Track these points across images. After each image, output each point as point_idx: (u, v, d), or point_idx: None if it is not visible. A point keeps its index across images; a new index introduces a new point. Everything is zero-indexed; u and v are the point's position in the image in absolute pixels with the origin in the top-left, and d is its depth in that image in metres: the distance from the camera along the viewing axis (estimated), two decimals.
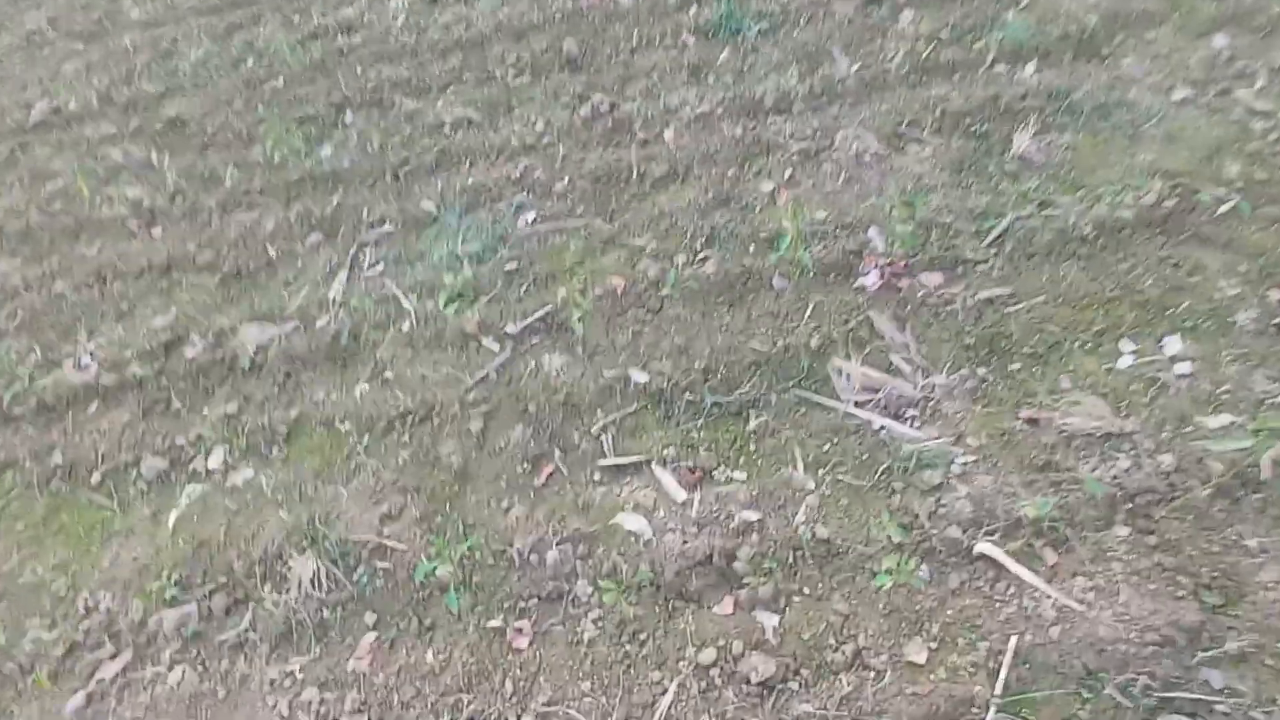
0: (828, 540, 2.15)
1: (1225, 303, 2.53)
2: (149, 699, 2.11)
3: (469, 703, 1.97)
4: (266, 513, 2.44)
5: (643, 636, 2.06)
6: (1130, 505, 2.11)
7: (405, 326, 2.90)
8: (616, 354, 2.70)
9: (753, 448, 2.42)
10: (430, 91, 3.87)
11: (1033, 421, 2.33)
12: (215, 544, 2.39)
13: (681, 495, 2.32)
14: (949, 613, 2.00)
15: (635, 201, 3.20)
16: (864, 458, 2.34)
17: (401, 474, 2.48)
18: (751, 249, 2.92)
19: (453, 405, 2.63)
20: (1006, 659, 1.89)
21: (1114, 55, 3.43)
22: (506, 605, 2.16)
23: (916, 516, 2.17)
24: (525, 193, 3.30)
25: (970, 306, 2.65)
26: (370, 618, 2.17)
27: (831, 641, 1.98)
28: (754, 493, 2.29)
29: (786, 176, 3.16)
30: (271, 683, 2.08)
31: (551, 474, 2.44)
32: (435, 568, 2.22)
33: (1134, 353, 2.46)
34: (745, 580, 2.11)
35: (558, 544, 2.24)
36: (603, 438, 2.50)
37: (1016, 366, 2.49)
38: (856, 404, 2.46)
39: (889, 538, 2.14)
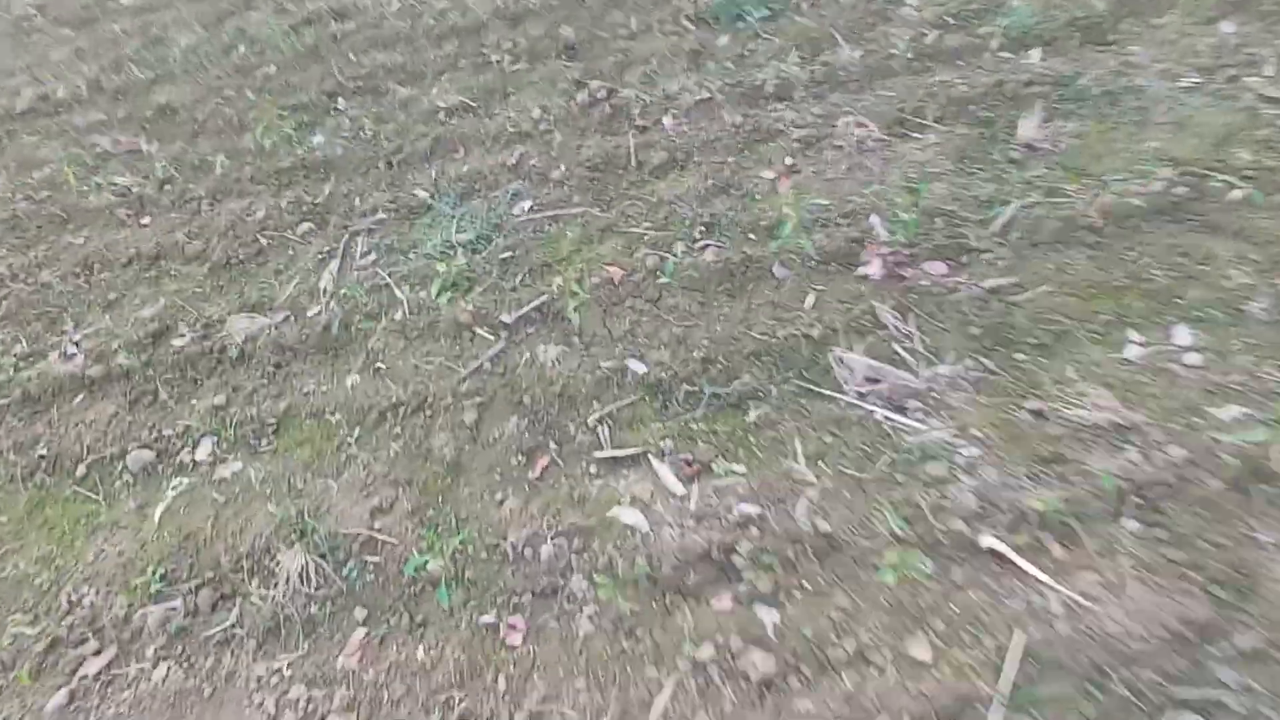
0: (829, 534, 2.09)
1: (1236, 292, 2.47)
2: (132, 696, 2.06)
3: (461, 700, 1.92)
4: (255, 506, 2.39)
5: (639, 633, 2.01)
6: (1139, 498, 2.06)
7: (398, 316, 2.84)
8: (614, 344, 2.64)
9: (752, 440, 2.36)
10: (425, 78, 3.80)
11: (1039, 413, 2.27)
12: (202, 538, 2.34)
13: (679, 488, 2.27)
14: (953, 608, 1.94)
15: (633, 189, 3.14)
16: (866, 450, 2.28)
17: (393, 466, 2.42)
18: (752, 237, 2.87)
19: (446, 396, 2.57)
20: (1013, 656, 1.84)
21: (1121, 41, 3.37)
22: (500, 601, 2.10)
23: (920, 510, 2.11)
24: (521, 180, 3.24)
25: (975, 296, 2.59)
26: (360, 613, 2.12)
27: (833, 638, 1.93)
28: (754, 485, 2.24)
29: (788, 164, 3.09)
30: (258, 680, 2.03)
31: (547, 466, 2.39)
32: (426, 562, 2.17)
33: (1143, 343, 2.40)
34: (744, 575, 2.05)
35: (552, 538, 2.19)
36: (599, 429, 2.44)
37: (1022, 357, 2.43)
38: (859, 395, 2.41)
39: (892, 531, 2.08)
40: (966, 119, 3.13)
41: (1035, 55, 3.32)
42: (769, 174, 3.07)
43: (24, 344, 3.00)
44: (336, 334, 2.82)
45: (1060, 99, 3.15)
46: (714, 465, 2.32)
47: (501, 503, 2.30)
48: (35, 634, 2.22)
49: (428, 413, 2.55)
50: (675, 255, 2.82)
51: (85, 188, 3.60)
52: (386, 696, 1.96)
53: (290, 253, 3.16)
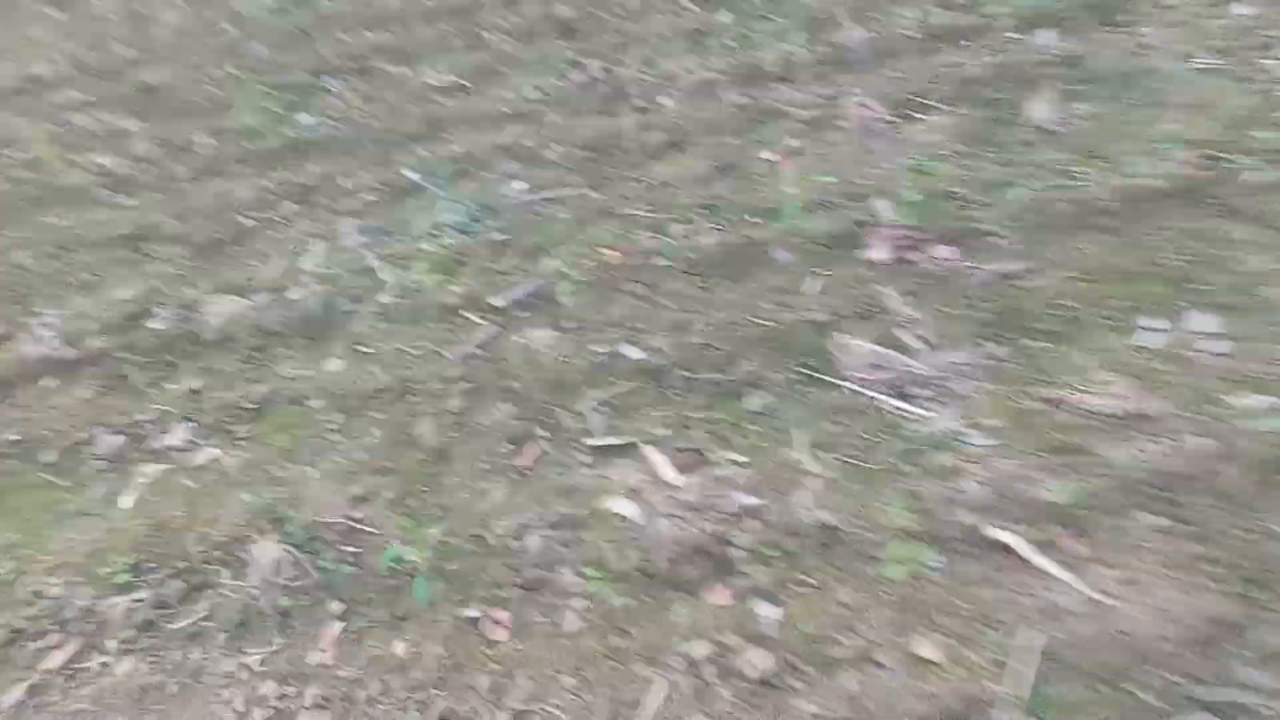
0: (831, 526, 1.98)
1: (1256, 277, 2.36)
2: (95, 691, 1.94)
3: (440, 699, 1.81)
4: (229, 494, 2.27)
5: (631, 629, 1.90)
6: (1160, 491, 1.95)
7: (383, 299, 2.73)
8: (608, 329, 2.53)
9: (752, 428, 2.26)
10: (417, 58, 3.69)
11: (1052, 401, 2.17)
12: (173, 527, 2.22)
13: (675, 478, 2.16)
14: (964, 606, 1.83)
15: (630, 171, 3.03)
16: (871, 439, 2.18)
17: (374, 454, 2.31)
18: (753, 220, 2.76)
19: (432, 382, 2.46)
20: (1029, 656, 1.73)
21: (1133, 22, 3.26)
22: (484, 594, 1.99)
23: (927, 502, 2.01)
24: (514, 161, 3.13)
25: (984, 281, 2.48)
26: (336, 607, 2.01)
27: (835, 635, 1.82)
28: (753, 476, 2.13)
29: (790, 146, 2.99)
30: (227, 675, 1.92)
31: (536, 455, 2.28)
32: (402, 554, 2.05)
33: (1160, 330, 2.30)
34: (743, 569, 1.94)
35: (540, 529, 2.08)
36: (592, 417, 2.34)
37: (1033, 344, 2.32)
38: (862, 382, 2.30)
39: (897, 524, 1.98)
40: (975, 100, 3.03)
41: (1046, 36, 3.21)
42: (771, 155, 2.96)
43: None
44: (319, 317, 2.71)
45: (1072, 80, 3.04)
46: (711, 454, 2.21)
47: (488, 492, 2.19)
48: None
49: (412, 399, 2.44)
50: (673, 238, 2.71)
51: (64, 167, 3.49)
52: (362, 694, 1.84)
53: (273, 234, 3.05)
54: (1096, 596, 1.82)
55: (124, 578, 2.13)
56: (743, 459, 2.18)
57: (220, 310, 2.77)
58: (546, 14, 3.76)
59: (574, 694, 1.81)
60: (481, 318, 2.62)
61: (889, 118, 3.02)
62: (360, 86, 3.59)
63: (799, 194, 2.73)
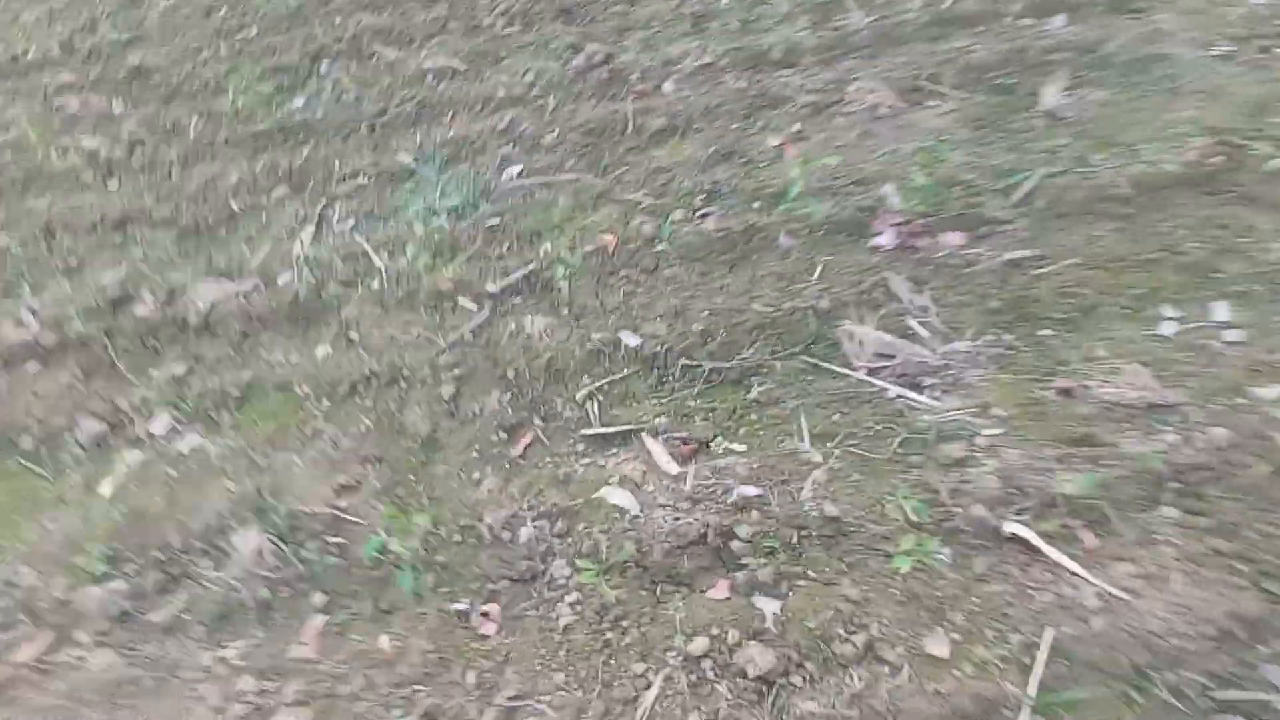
0: (837, 518, 1.90)
1: (1277, 266, 2.28)
2: (67, 686, 1.86)
3: (426, 695, 1.73)
4: (211, 483, 2.19)
5: (626, 623, 1.82)
6: (1180, 483, 1.87)
7: (375, 285, 2.65)
8: (606, 315, 2.45)
9: (754, 418, 2.18)
10: (413, 42, 3.61)
11: (1067, 391, 2.09)
12: (152, 516, 2.14)
13: (674, 468, 2.08)
14: (975, 601, 1.75)
15: (630, 156, 2.95)
16: (878, 429, 2.10)
17: (362, 442, 2.23)
18: (756, 206, 2.68)
19: (423, 369, 2.38)
20: (1042, 654, 1.65)
21: (1148, 9, 3.18)
22: (473, 587, 1.91)
23: (937, 494, 1.93)
24: (511, 145, 3.05)
25: (995, 268, 2.40)
26: (319, 599, 1.93)
27: (840, 631, 1.74)
28: (755, 466, 2.05)
29: (794, 130, 2.91)
30: (205, 670, 1.84)
31: (530, 444, 2.20)
32: (392, 544, 1.97)
33: (1178, 318, 2.22)
34: (743, 562, 1.87)
35: (533, 520, 2.00)
36: (588, 405, 2.25)
37: (1047, 332, 2.25)
38: (869, 371, 2.22)
39: (906, 516, 1.90)
40: (985, 86, 2.94)
41: (1058, 21, 3.13)
42: (774, 141, 2.88)
43: None
44: (308, 303, 2.63)
45: (1085, 67, 2.96)
46: (712, 444, 2.13)
47: (479, 482, 2.11)
48: None
49: (402, 386, 2.36)
50: (673, 223, 2.63)
51: (51, 150, 3.41)
52: (344, 690, 1.76)
53: (263, 219, 2.96)
54: (1112, 591, 1.74)
55: (100, 568, 2.05)
56: (743, 448, 2.11)
57: (207, 295, 2.69)
58: None
59: (565, 691, 1.73)
60: (475, 304, 2.54)
61: (896, 103, 2.94)
62: (355, 70, 3.51)
63: (803, 179, 2.64)
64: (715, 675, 1.72)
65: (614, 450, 2.16)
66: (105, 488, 2.24)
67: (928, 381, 2.18)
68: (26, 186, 3.31)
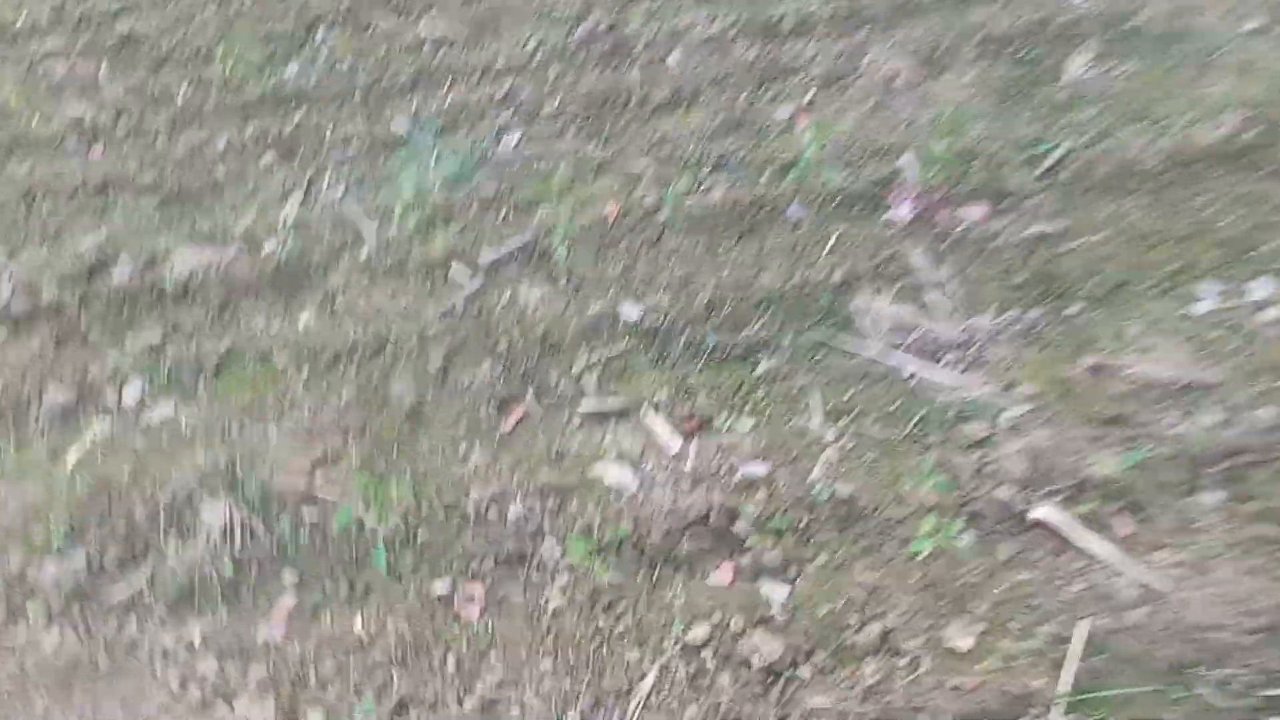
0: (850, 499, 1.77)
1: None
2: (16, 667, 1.73)
3: (400, 682, 1.60)
4: (181, 453, 2.06)
5: (620, 609, 1.68)
6: (1222, 466, 1.73)
7: (363, 253, 2.52)
8: (605, 286, 2.32)
9: (761, 394, 2.04)
10: (411, 10, 3.48)
11: (1098, 369, 1.95)
12: (117, 488, 2.01)
13: (675, 445, 1.94)
14: (1000, 589, 1.61)
15: (634, 126, 2.82)
16: (893, 407, 1.96)
17: (343, 413, 2.10)
18: (764, 177, 2.54)
19: (410, 339, 2.25)
20: (1075, 647, 1.51)
21: None
22: (456, 567, 1.78)
23: (957, 475, 1.79)
24: (510, 114, 2.92)
25: (1019, 242, 2.27)
26: (290, 577, 1.79)
27: (853, 620, 1.60)
28: (762, 444, 1.91)
29: (806, 102, 2.78)
30: (164, 651, 1.70)
31: (521, 419, 2.06)
32: (369, 518, 1.84)
33: (1216, 295, 2.08)
34: (748, 544, 1.73)
35: (522, 497, 1.86)
36: (585, 379, 2.12)
37: (1075, 309, 2.11)
38: (885, 347, 2.08)
39: (924, 498, 1.76)
40: (1007, 58, 2.80)
41: None
42: (785, 112, 2.75)
43: None
44: (292, 270, 2.50)
45: (1112, 40, 2.83)
46: (716, 421, 1.99)
47: (466, 457, 1.98)
48: None
49: (388, 356, 2.22)
50: (678, 193, 2.50)
51: (36, 117, 3.29)
52: (312, 675, 1.63)
53: (250, 186, 2.84)
54: (1149, 581, 1.60)
55: (58, 542, 1.91)
56: (749, 426, 1.97)
57: (187, 262, 2.56)
58: None
59: (553, 680, 1.59)
60: (468, 273, 2.41)
61: (913, 75, 2.81)
62: (351, 38, 3.39)
63: (816, 149, 2.51)
64: (716, 665, 1.58)
65: (611, 426, 2.02)
66: (70, 457, 2.11)
67: (947, 358, 2.04)
68: (9, 153, 3.18)
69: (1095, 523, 1.68)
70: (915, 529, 1.70)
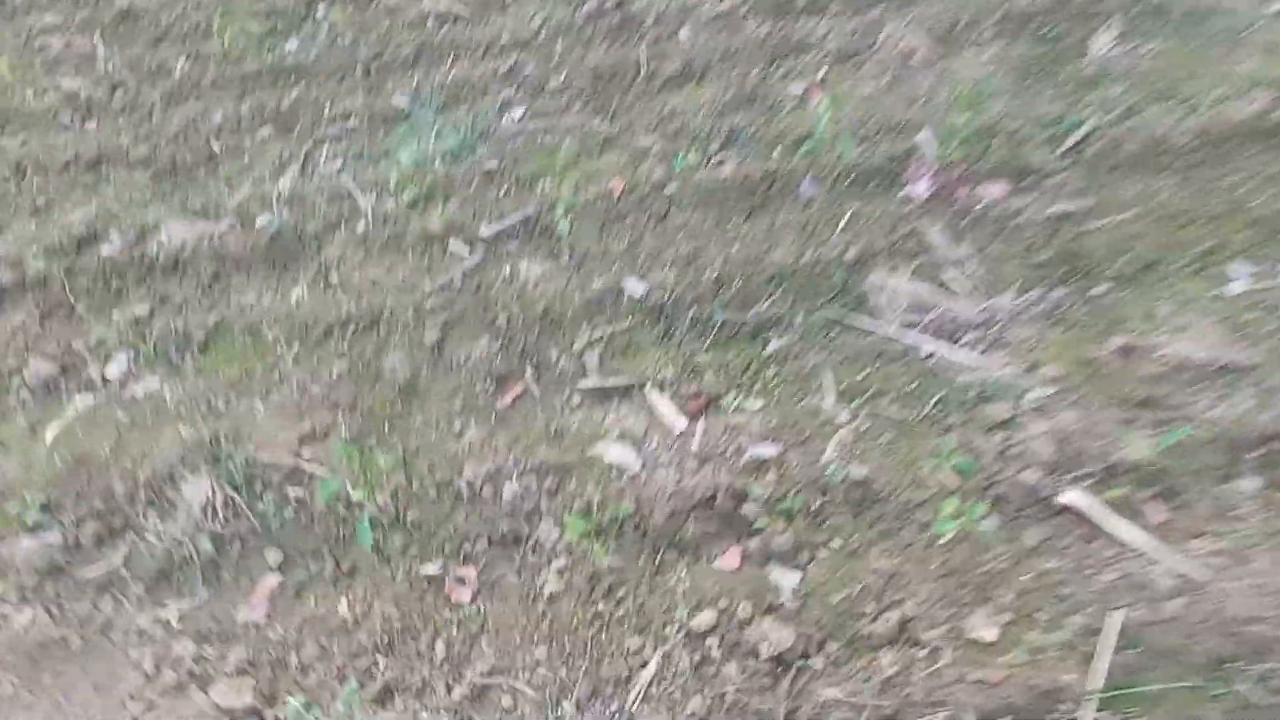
0: (865, 481, 1.67)
1: None
2: None
3: (386, 667, 1.50)
4: (165, 428, 1.97)
5: (620, 593, 1.59)
6: (1260, 451, 1.63)
7: (359, 227, 2.43)
8: (609, 261, 2.23)
9: (771, 373, 1.95)
10: None
11: (1127, 350, 1.85)
12: (97, 463, 1.92)
13: (680, 424, 1.85)
14: (1026, 577, 1.52)
15: (641, 101, 2.73)
16: (911, 387, 1.86)
17: (333, 388, 2.01)
18: (776, 152, 2.45)
19: (405, 313, 2.16)
20: (1107, 640, 1.41)
21: None
22: (448, 548, 1.69)
23: (980, 457, 1.69)
24: (514, 89, 2.84)
25: (1042, 220, 2.17)
26: (274, 556, 1.70)
27: (869, 608, 1.51)
28: (772, 424, 1.82)
29: (820, 77, 2.68)
30: (140, 632, 1.62)
31: (519, 395, 1.97)
32: (356, 494, 1.74)
33: (1249, 275, 1.98)
34: (757, 527, 1.63)
35: (518, 475, 1.77)
36: (587, 356, 2.03)
37: (1101, 289, 2.01)
38: (902, 326, 1.99)
39: (944, 481, 1.66)
40: (1030, 35, 2.71)
41: None
42: (798, 87, 2.65)
43: None
44: (286, 243, 2.41)
45: (1136, 18, 2.73)
46: (723, 400, 1.90)
47: (460, 433, 1.89)
48: None
49: (382, 330, 2.13)
50: (686, 168, 2.41)
51: (29, 90, 3.21)
52: (294, 659, 1.54)
53: (245, 159, 2.75)
54: (1187, 570, 1.50)
55: (35, 517, 1.83)
56: (759, 405, 1.87)
57: (178, 235, 2.48)
58: None
59: (547, 667, 1.50)
60: (467, 247, 2.32)
61: (930, 51, 2.71)
62: (353, 13, 3.31)
63: (830, 124, 2.42)
64: (722, 654, 1.49)
65: (613, 404, 1.93)
66: (49, 432, 2.03)
67: (967, 338, 1.95)
68: (1, 127, 3.12)
69: (1127, 509, 1.58)
70: (935, 512, 1.61)
